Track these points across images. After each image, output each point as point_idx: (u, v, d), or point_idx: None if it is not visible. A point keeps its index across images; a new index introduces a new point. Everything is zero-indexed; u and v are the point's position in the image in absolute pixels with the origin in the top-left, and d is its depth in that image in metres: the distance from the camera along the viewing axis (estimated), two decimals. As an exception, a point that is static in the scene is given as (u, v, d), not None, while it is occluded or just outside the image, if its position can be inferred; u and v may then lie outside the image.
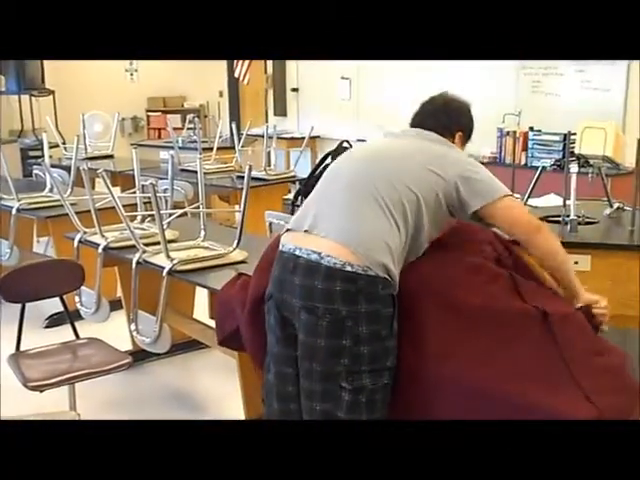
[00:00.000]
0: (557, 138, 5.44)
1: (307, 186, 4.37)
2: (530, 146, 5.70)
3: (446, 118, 2.21)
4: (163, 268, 3.00)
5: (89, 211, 3.44)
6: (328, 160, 4.37)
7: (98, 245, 3.42)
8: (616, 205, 3.51)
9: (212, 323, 2.78)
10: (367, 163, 2.09)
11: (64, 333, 3.30)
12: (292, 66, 8.82)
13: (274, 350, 2.09)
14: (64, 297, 3.16)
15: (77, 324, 3.19)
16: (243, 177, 3.10)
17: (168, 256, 3.02)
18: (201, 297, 3.69)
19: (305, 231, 2.00)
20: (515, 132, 5.70)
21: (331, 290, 1.90)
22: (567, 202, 3.33)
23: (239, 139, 5.96)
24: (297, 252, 1.98)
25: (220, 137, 6.48)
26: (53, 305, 3.39)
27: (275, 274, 2.06)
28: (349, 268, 1.89)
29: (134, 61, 10.11)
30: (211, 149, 6.13)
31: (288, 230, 2.09)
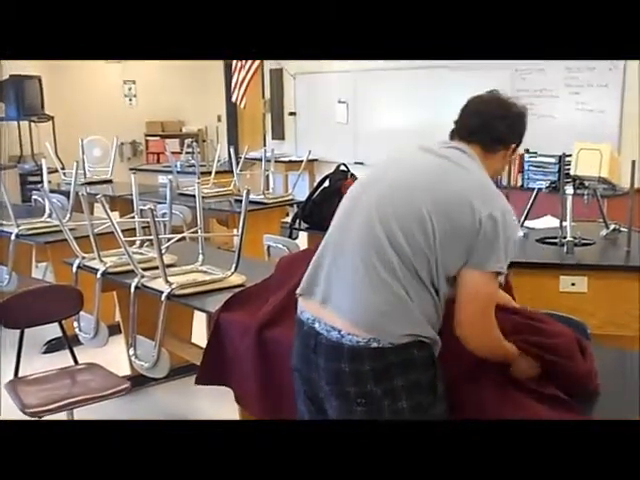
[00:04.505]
0: (553, 160, 5.47)
1: (305, 209, 4.43)
2: (526, 168, 5.74)
3: (505, 128, 1.87)
4: (161, 293, 3.01)
5: (88, 236, 3.46)
6: (326, 183, 4.42)
7: (97, 270, 3.43)
8: (612, 226, 3.52)
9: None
10: (385, 209, 1.76)
11: (63, 358, 3.30)
12: (289, 90, 8.89)
13: (305, 418, 1.94)
14: (62, 322, 3.16)
15: (76, 349, 3.19)
16: (241, 201, 3.12)
17: (167, 281, 3.03)
18: (199, 321, 3.69)
19: (322, 303, 1.79)
20: (511, 154, 5.74)
21: (360, 371, 1.71)
22: (563, 224, 3.35)
23: (237, 163, 5.99)
24: (317, 326, 1.78)
25: (218, 161, 6.52)
26: (51, 330, 3.39)
27: (298, 348, 1.87)
28: (375, 344, 1.70)
29: (132, 86, 10.20)
30: (209, 173, 6.16)
31: (301, 295, 1.89)
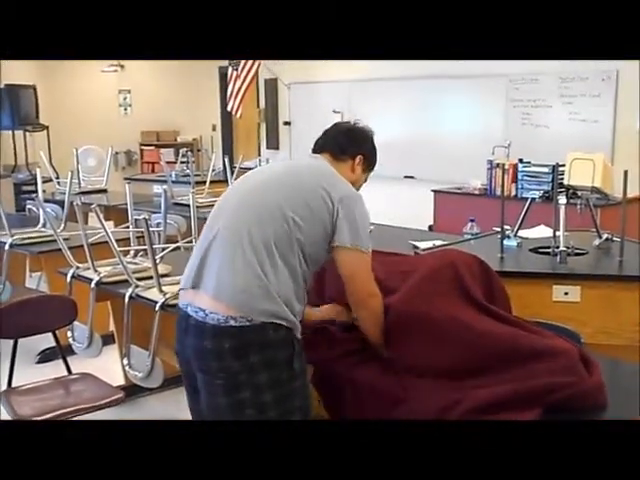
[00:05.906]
0: (546, 169, 5.48)
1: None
2: (520, 177, 5.74)
3: (347, 140, 2.26)
4: (156, 302, 3.01)
5: (82, 246, 3.45)
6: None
7: (91, 280, 3.42)
8: (605, 236, 3.53)
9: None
10: (249, 198, 2.07)
11: (56, 368, 3.29)
12: (284, 100, 8.91)
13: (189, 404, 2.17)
14: (56, 332, 3.15)
15: (69, 359, 3.19)
16: (235, 211, 3.12)
17: (161, 290, 3.03)
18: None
19: (193, 287, 2.02)
20: (504, 164, 5.74)
21: (220, 348, 1.92)
22: (557, 233, 3.36)
23: (232, 172, 6.00)
24: (188, 310, 2.01)
25: (213, 171, 6.52)
26: (45, 340, 3.38)
27: (176, 333, 2.10)
28: (232, 322, 1.91)
29: (128, 95, 10.22)
30: (204, 183, 6.17)
31: (181, 290, 2.11)
